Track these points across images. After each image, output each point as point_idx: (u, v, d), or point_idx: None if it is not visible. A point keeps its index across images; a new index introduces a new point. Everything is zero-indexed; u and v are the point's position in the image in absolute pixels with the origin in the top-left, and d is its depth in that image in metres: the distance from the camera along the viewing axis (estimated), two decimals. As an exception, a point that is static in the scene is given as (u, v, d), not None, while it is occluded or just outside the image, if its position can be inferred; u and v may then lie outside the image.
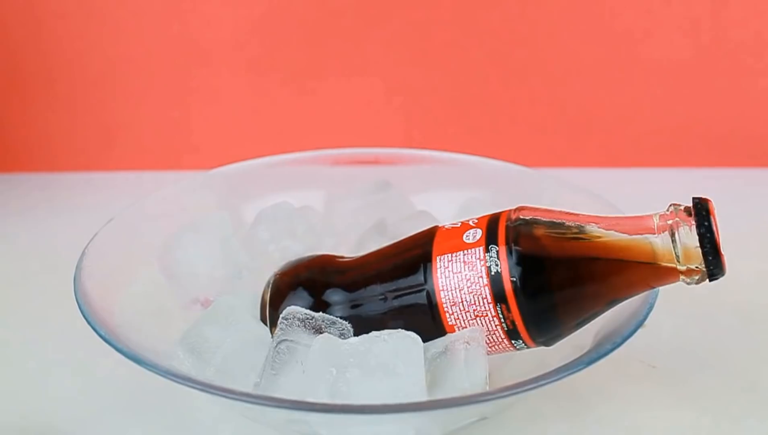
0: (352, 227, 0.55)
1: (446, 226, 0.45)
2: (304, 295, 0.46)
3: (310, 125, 0.85)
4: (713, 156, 0.85)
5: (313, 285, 0.47)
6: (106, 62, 0.83)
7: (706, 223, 0.38)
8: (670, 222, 0.40)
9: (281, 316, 0.43)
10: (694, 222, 0.39)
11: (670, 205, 0.41)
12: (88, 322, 0.41)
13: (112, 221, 0.51)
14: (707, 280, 0.39)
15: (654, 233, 0.40)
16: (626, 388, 0.49)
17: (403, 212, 0.56)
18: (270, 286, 0.48)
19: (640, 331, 0.42)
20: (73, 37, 0.82)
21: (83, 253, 0.47)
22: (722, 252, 0.39)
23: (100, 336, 0.40)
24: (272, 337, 0.44)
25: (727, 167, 0.85)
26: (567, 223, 0.42)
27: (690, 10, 0.81)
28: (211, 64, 0.84)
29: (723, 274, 0.39)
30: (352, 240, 0.54)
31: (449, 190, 0.61)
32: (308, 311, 0.43)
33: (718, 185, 0.69)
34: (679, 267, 0.39)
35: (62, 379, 0.51)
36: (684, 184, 0.74)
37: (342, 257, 0.49)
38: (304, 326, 0.43)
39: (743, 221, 0.67)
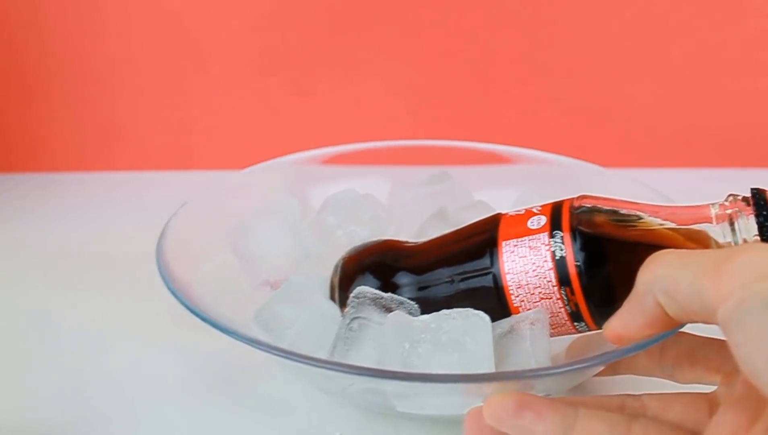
0: (413, 215, 0.57)
1: (510, 213, 0.47)
2: (372, 277, 0.48)
3: (311, 125, 0.86)
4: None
5: (381, 267, 0.49)
6: (106, 62, 0.84)
7: (765, 213, 0.40)
8: (729, 211, 0.41)
9: (352, 295, 0.46)
10: (753, 211, 0.40)
11: (729, 196, 0.42)
12: (177, 296, 0.43)
13: (186, 205, 0.53)
14: None
15: (712, 222, 0.42)
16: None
17: (461, 202, 0.58)
18: (339, 268, 0.50)
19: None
20: (73, 36, 0.83)
21: (162, 234, 0.50)
22: None
23: (190, 309, 0.42)
24: (342, 316, 0.46)
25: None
26: (627, 212, 0.44)
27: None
28: (212, 64, 0.85)
29: None
30: (413, 227, 0.56)
31: (502, 183, 0.63)
32: (378, 291, 0.46)
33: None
34: None
35: (65, 378, 0.51)
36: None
37: (407, 242, 0.51)
38: (375, 305, 0.45)
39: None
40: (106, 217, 0.77)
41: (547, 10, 0.83)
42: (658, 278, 0.34)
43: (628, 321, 0.36)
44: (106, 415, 0.48)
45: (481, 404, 0.37)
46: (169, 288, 0.44)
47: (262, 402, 0.49)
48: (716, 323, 0.31)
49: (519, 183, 0.62)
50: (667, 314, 0.35)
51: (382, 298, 0.45)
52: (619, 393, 0.40)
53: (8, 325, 0.57)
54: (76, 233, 0.73)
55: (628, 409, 0.38)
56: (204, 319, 0.40)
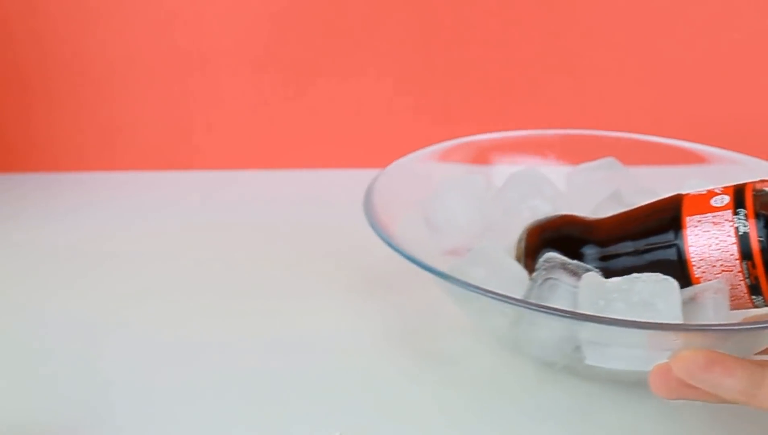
0: (586, 197, 0.60)
1: (691, 193, 0.51)
2: (557, 247, 0.52)
3: (312, 125, 0.88)
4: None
5: (565, 238, 0.53)
6: (106, 62, 0.84)
7: None
8: None
9: (542, 259, 0.50)
10: None
11: None
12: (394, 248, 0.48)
13: (382, 174, 0.58)
14: None
15: None
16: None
17: (632, 187, 0.62)
18: (524, 238, 0.55)
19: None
20: (73, 36, 0.83)
21: (366, 199, 0.55)
22: None
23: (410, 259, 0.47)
24: (530, 279, 0.50)
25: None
26: None
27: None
28: (212, 63, 0.85)
29: None
30: (586, 208, 0.60)
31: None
32: (566, 258, 0.50)
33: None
34: None
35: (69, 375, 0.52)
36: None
37: (588, 217, 0.55)
38: (564, 269, 0.49)
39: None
40: (107, 216, 0.78)
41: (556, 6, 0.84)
42: None
43: None
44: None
45: (667, 360, 0.40)
46: (386, 241, 0.49)
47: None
48: None
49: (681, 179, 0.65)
50: None
51: (569, 263, 0.49)
52: None
53: (8, 325, 0.58)
54: (76, 233, 0.74)
55: None
56: (428, 269, 0.45)
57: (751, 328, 0.41)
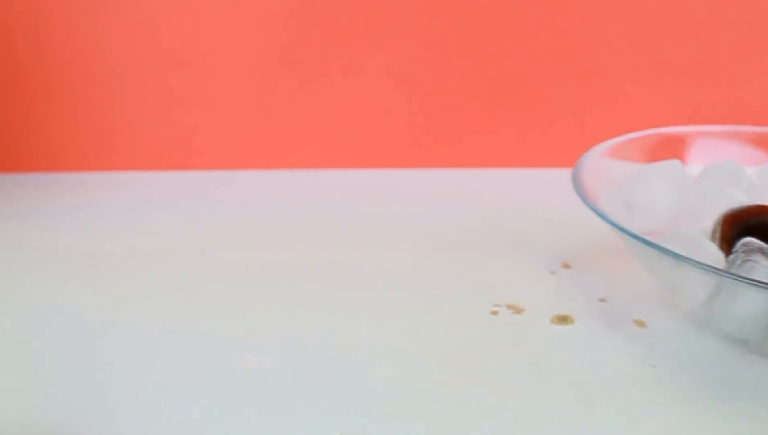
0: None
1: None
2: (755, 234, 0.56)
3: (313, 124, 0.87)
4: None
5: (762, 226, 0.56)
6: (106, 61, 0.84)
7: None
8: None
9: (741, 243, 0.54)
10: None
11: None
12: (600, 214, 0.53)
13: (592, 150, 0.63)
14: None
15: None
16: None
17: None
18: (720, 224, 0.58)
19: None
20: (73, 36, 0.83)
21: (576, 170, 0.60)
22: None
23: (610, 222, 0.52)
24: (726, 261, 0.54)
25: None
26: None
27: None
28: (212, 63, 0.85)
29: None
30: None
31: None
32: (763, 243, 0.53)
33: None
34: None
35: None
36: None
37: (787, 209, 0.58)
38: (762, 253, 0.53)
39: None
40: (108, 216, 0.78)
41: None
42: None
43: None
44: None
45: None
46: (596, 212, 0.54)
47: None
48: None
49: None
50: None
51: (767, 249, 0.53)
52: None
53: (9, 324, 0.58)
54: (76, 233, 0.74)
55: None
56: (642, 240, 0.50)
57: None
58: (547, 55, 0.86)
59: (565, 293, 0.62)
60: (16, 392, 0.50)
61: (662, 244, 0.56)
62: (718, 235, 0.58)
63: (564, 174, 0.62)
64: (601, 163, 0.64)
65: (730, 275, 0.46)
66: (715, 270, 0.46)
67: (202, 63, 0.85)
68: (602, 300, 0.61)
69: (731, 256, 0.54)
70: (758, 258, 0.52)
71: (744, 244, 0.53)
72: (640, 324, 0.58)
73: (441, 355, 0.54)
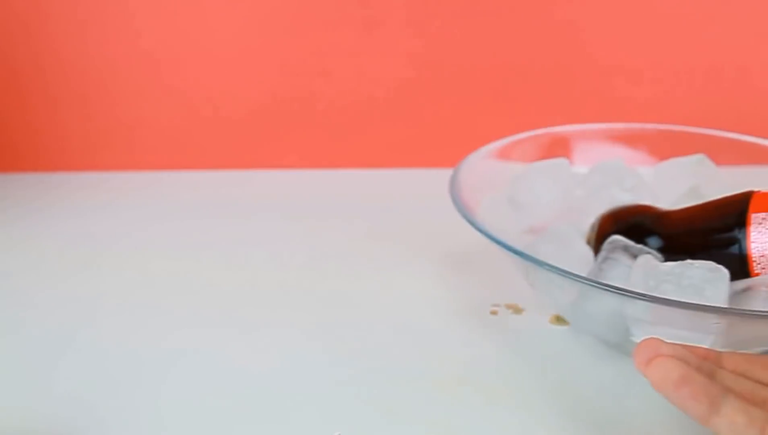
0: (669, 191, 0.63)
1: (762, 191, 0.53)
2: (626, 235, 0.55)
3: (312, 124, 0.88)
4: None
5: (635, 227, 0.56)
6: (106, 62, 0.85)
7: None
8: None
9: (607, 241, 0.53)
10: None
11: None
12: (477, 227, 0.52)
13: (476, 152, 0.63)
14: None
15: None
16: None
17: (716, 185, 0.63)
18: (597, 224, 0.58)
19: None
20: (75, 36, 0.84)
21: (456, 171, 0.59)
22: None
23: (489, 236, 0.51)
24: (595, 260, 0.54)
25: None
26: None
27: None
28: (213, 63, 0.86)
29: None
30: (667, 201, 0.62)
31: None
32: (629, 241, 0.53)
33: None
34: None
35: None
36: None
37: (660, 208, 0.58)
38: (625, 251, 0.52)
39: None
40: (108, 217, 0.79)
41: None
42: None
43: None
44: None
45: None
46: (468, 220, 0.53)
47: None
48: None
49: None
50: None
51: (632, 246, 0.53)
52: None
53: (10, 325, 0.59)
54: (76, 233, 0.75)
55: None
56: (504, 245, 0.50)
57: None
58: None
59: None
60: (14, 393, 0.51)
61: (536, 243, 0.56)
62: (594, 234, 0.58)
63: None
64: (486, 163, 0.63)
65: (572, 277, 0.45)
66: (559, 271, 0.45)
67: (203, 63, 0.86)
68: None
69: (598, 255, 0.53)
70: (619, 255, 0.52)
71: (610, 243, 0.53)
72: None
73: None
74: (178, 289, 0.64)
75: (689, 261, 0.49)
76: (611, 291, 0.44)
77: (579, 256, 0.55)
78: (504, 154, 0.65)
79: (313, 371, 0.52)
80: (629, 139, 0.69)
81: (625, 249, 0.52)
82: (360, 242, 0.72)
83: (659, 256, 0.52)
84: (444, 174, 0.60)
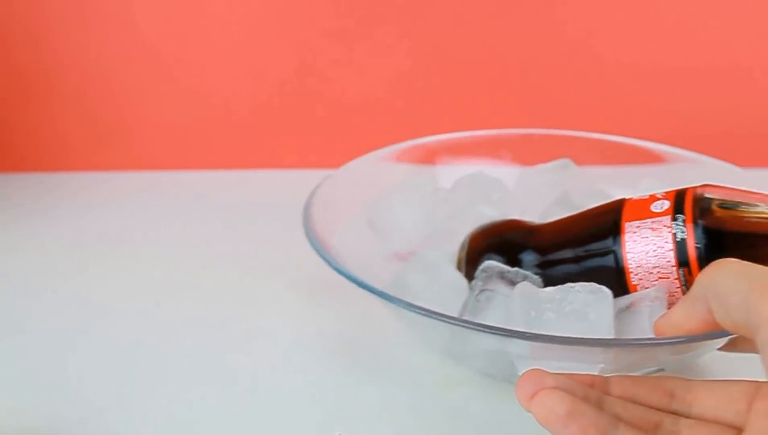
0: (536, 200, 0.60)
1: (634, 198, 0.50)
2: (498, 253, 0.52)
3: (314, 124, 0.87)
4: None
5: (507, 244, 0.52)
6: (107, 62, 0.85)
7: None
8: None
9: (480, 268, 0.49)
10: None
11: None
12: (328, 261, 0.47)
13: (328, 178, 0.58)
14: None
15: None
16: None
17: (584, 189, 0.61)
18: (466, 244, 0.54)
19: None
20: (75, 37, 0.83)
21: (308, 203, 0.54)
22: None
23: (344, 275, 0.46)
24: (470, 287, 0.50)
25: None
26: (749, 201, 0.46)
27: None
28: (213, 62, 0.85)
29: None
30: (536, 211, 0.59)
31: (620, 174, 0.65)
32: (505, 266, 0.49)
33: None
34: None
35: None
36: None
37: (531, 222, 0.54)
38: (501, 278, 0.48)
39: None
40: (109, 217, 0.78)
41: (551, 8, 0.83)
42: (715, 285, 0.35)
43: (678, 322, 0.37)
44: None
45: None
46: (320, 254, 0.48)
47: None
48: (757, 341, 0.31)
49: (639, 178, 0.64)
50: (716, 322, 0.35)
51: (508, 272, 0.49)
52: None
53: (11, 325, 0.59)
54: (77, 233, 0.74)
55: (662, 430, 0.37)
56: (357, 282, 0.45)
57: (654, 344, 0.40)
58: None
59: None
60: (13, 393, 0.50)
61: (404, 272, 0.52)
62: (464, 257, 0.54)
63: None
64: (344, 185, 0.59)
65: (445, 319, 0.41)
66: (432, 314, 0.41)
67: (203, 63, 0.85)
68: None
69: (473, 283, 0.49)
70: (496, 285, 0.48)
71: (484, 270, 0.49)
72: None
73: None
74: (179, 288, 0.63)
75: (569, 284, 0.45)
76: (490, 333, 0.39)
77: (450, 285, 0.51)
78: (369, 170, 0.61)
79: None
80: (491, 147, 0.66)
81: (501, 276, 0.48)
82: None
83: (537, 279, 0.49)
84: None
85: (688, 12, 0.83)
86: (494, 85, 0.86)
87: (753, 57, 0.85)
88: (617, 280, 0.47)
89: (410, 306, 0.41)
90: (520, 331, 0.39)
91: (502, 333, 0.39)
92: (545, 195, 0.59)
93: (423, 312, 0.41)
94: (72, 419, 0.48)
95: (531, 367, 0.38)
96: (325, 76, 0.86)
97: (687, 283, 0.46)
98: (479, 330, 0.40)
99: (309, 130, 0.88)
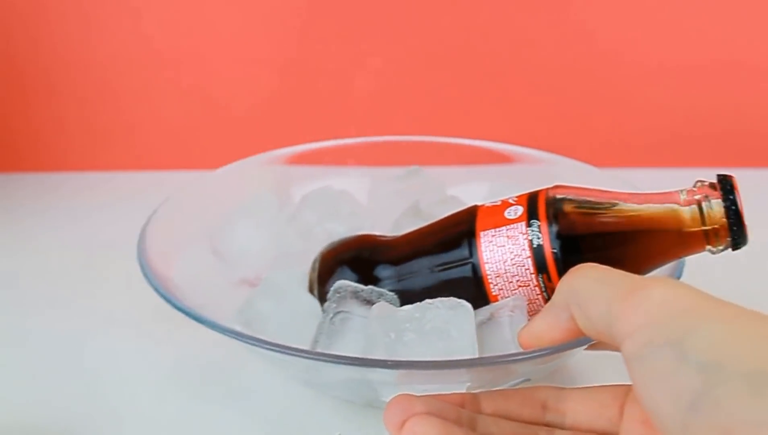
0: (388, 211, 0.57)
1: (486, 205, 0.48)
2: (350, 271, 0.49)
3: (314, 123, 0.87)
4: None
5: (359, 261, 0.50)
6: (108, 61, 0.85)
7: (731, 197, 0.42)
8: (697, 196, 0.43)
9: (333, 289, 0.46)
10: (720, 195, 0.42)
11: (696, 181, 0.44)
12: (160, 293, 0.43)
13: (167, 201, 0.54)
14: (731, 248, 0.42)
15: (682, 207, 0.43)
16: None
17: (435, 197, 0.59)
18: (317, 263, 0.51)
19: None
20: (76, 37, 0.84)
21: (142, 233, 0.50)
22: (745, 223, 0.42)
23: (173, 305, 0.42)
24: (323, 310, 0.47)
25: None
26: (601, 200, 0.45)
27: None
28: (212, 63, 0.85)
29: (746, 244, 0.42)
30: (388, 223, 0.57)
31: (474, 176, 0.64)
32: (358, 284, 0.46)
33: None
34: (705, 237, 0.42)
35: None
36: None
37: (384, 236, 0.52)
38: (355, 298, 0.46)
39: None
40: (109, 217, 0.78)
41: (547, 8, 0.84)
42: (575, 293, 0.34)
43: (541, 332, 0.36)
44: (91, 414, 0.48)
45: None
46: (153, 286, 0.44)
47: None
48: (621, 353, 0.31)
49: (493, 179, 0.63)
50: (580, 329, 0.34)
51: (362, 290, 0.46)
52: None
53: (11, 325, 0.58)
54: (79, 234, 0.74)
55: None
56: (190, 315, 0.41)
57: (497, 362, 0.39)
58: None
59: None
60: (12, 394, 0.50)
61: (253, 298, 0.48)
62: (315, 277, 0.50)
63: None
64: (187, 205, 0.54)
65: (295, 353, 0.37)
66: (274, 347, 0.38)
67: (203, 64, 0.85)
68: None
69: (326, 306, 0.46)
70: (351, 306, 0.45)
71: (336, 291, 0.46)
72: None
73: None
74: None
75: (428, 301, 0.43)
76: (345, 364, 0.37)
77: (302, 310, 0.48)
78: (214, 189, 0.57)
79: None
80: (337, 157, 0.63)
81: (355, 295, 0.45)
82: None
83: (393, 296, 0.46)
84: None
85: (687, 12, 0.84)
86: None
87: (753, 57, 0.86)
88: (478, 292, 0.46)
89: (258, 341, 0.38)
90: (379, 360, 0.37)
91: (357, 363, 0.36)
92: (396, 206, 0.57)
93: (266, 346, 0.37)
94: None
95: (397, 393, 0.35)
96: (327, 76, 0.86)
97: (547, 290, 0.44)
98: (333, 362, 0.37)
99: (311, 130, 0.84)
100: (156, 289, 0.43)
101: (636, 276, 0.33)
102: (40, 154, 0.89)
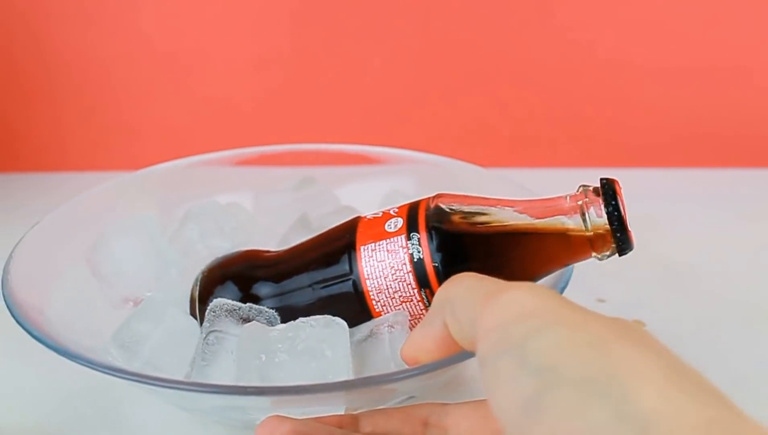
0: (278, 223, 0.56)
1: (368, 217, 0.47)
2: (231, 289, 0.47)
3: (314, 124, 0.87)
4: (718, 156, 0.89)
5: (240, 278, 0.48)
6: (108, 61, 0.85)
7: (613, 202, 0.41)
8: (580, 202, 0.42)
9: (208, 308, 0.45)
10: (602, 201, 0.41)
11: (580, 186, 0.43)
12: (19, 322, 0.41)
13: (40, 223, 0.51)
14: (617, 254, 0.42)
15: (566, 213, 0.42)
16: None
17: (327, 207, 0.58)
18: (198, 282, 0.49)
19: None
20: (76, 37, 0.83)
21: (11, 256, 0.47)
22: (629, 228, 0.41)
23: (32, 334, 0.40)
24: (201, 330, 0.45)
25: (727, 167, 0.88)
26: (484, 208, 0.44)
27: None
28: (212, 63, 0.85)
29: (631, 250, 0.41)
30: (278, 236, 0.55)
31: (371, 183, 0.63)
32: (235, 302, 0.45)
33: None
34: (590, 244, 0.42)
35: None
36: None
37: (268, 251, 0.50)
38: (232, 317, 0.44)
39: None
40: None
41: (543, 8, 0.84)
42: (450, 301, 0.33)
43: (421, 345, 0.35)
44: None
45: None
46: (13, 313, 0.42)
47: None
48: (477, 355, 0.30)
49: (391, 184, 0.62)
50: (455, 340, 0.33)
51: (239, 308, 0.44)
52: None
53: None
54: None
55: None
56: (48, 345, 0.39)
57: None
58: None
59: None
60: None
61: (130, 320, 0.46)
62: (196, 296, 0.48)
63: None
64: (64, 224, 0.52)
65: (154, 382, 0.36)
66: (131, 377, 0.36)
67: (203, 64, 0.85)
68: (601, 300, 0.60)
69: (204, 325, 0.44)
70: (226, 325, 0.43)
71: (212, 310, 0.44)
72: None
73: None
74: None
75: (301, 319, 0.42)
76: (208, 392, 0.35)
77: (180, 330, 0.45)
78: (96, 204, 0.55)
79: None
80: (228, 166, 0.61)
81: (231, 313, 0.44)
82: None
83: (272, 313, 0.45)
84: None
85: (687, 14, 0.84)
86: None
87: (752, 57, 0.86)
88: (361, 308, 0.44)
89: (111, 369, 0.36)
90: (236, 386, 0.35)
91: (220, 391, 0.35)
92: (287, 217, 0.56)
93: (125, 376, 0.35)
94: None
95: (269, 415, 0.34)
96: (328, 76, 0.86)
97: (430, 305, 0.43)
98: (200, 391, 0.35)
99: (311, 130, 0.86)
100: (16, 319, 0.41)
101: (503, 281, 0.32)
102: (40, 154, 0.89)
